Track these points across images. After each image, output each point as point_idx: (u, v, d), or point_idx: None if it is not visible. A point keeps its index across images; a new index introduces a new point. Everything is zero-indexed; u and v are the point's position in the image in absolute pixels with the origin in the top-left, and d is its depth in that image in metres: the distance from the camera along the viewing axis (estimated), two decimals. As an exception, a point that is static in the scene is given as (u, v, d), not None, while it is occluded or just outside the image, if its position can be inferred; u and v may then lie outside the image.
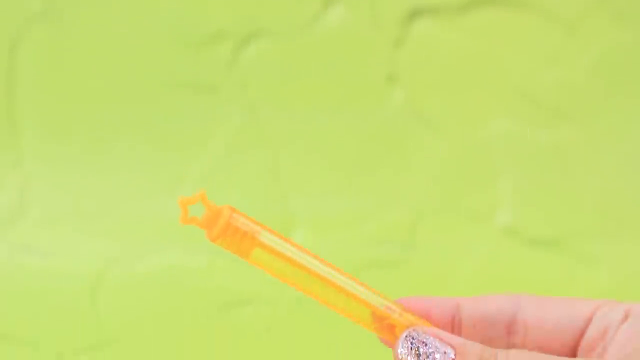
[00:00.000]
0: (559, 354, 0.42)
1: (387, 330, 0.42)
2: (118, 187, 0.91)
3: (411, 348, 0.40)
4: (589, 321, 0.43)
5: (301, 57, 0.92)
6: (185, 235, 0.89)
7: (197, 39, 0.91)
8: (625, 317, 0.41)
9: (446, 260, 0.90)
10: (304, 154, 0.92)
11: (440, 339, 0.40)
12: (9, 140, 0.90)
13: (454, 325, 0.44)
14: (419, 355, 0.40)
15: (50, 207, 0.91)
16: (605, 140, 0.93)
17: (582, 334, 0.43)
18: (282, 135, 0.92)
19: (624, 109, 0.94)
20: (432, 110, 0.92)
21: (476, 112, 0.93)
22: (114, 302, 0.87)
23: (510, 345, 0.43)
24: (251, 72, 0.91)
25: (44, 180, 0.91)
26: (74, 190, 0.91)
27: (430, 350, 0.39)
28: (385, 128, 0.92)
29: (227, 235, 0.40)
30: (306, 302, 0.86)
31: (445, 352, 0.39)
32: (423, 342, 0.40)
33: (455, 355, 0.39)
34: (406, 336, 0.40)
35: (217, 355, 0.84)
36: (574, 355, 0.42)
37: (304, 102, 0.92)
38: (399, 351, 0.40)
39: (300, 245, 0.42)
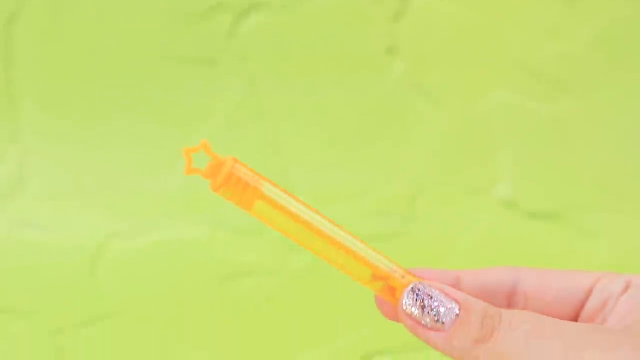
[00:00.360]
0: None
1: (388, 291, 0.42)
2: (118, 161, 0.91)
3: (416, 300, 0.40)
4: (589, 293, 0.43)
5: (301, 30, 0.91)
6: (186, 208, 0.89)
7: (197, 12, 0.90)
8: (626, 288, 0.41)
9: (446, 233, 0.91)
10: (304, 127, 0.92)
11: (446, 294, 0.40)
12: (7, 114, 0.90)
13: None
14: (424, 307, 0.40)
15: (49, 182, 0.90)
16: (606, 113, 0.93)
17: (582, 305, 0.43)
18: (282, 108, 0.92)
19: (624, 81, 0.94)
20: (432, 83, 0.92)
21: (476, 84, 0.93)
22: (114, 276, 0.87)
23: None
24: (251, 44, 0.91)
25: (43, 155, 0.91)
26: (73, 164, 0.91)
27: (436, 303, 0.39)
28: (385, 101, 0.92)
29: (229, 186, 0.40)
30: (307, 274, 0.86)
31: (450, 307, 0.39)
32: (428, 295, 0.40)
33: (459, 310, 0.39)
34: (412, 288, 0.40)
35: (218, 327, 0.84)
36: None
37: (303, 75, 0.92)
38: (404, 302, 0.40)
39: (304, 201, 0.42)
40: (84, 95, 0.91)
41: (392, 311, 0.43)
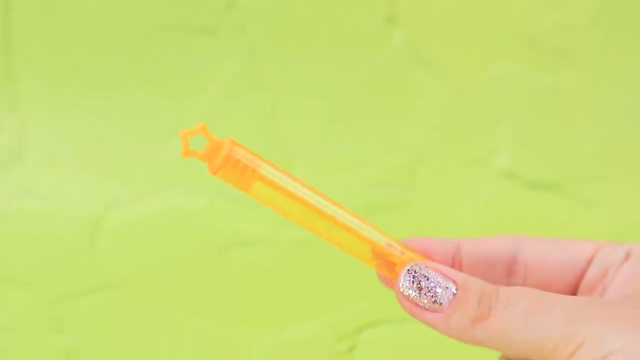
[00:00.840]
0: (559, 295, 0.42)
1: (388, 267, 0.42)
2: (117, 130, 0.91)
3: (413, 282, 0.40)
4: (589, 262, 0.43)
5: (300, -1, 0.91)
6: (185, 178, 0.89)
7: (195, -19, 0.90)
8: (626, 257, 0.41)
9: (446, 202, 0.90)
10: (302, 97, 0.92)
11: (443, 274, 0.40)
12: (6, 83, 0.90)
13: (454, 266, 0.44)
14: (420, 288, 0.40)
15: (49, 151, 0.90)
16: (607, 84, 0.93)
17: (582, 274, 0.43)
18: (280, 78, 0.91)
19: (626, 52, 0.93)
20: (431, 53, 0.92)
21: (477, 55, 0.92)
22: (113, 245, 0.87)
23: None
24: (250, 15, 0.90)
25: (42, 124, 0.91)
26: (72, 133, 0.91)
27: (432, 284, 0.39)
28: (385, 71, 0.92)
29: (227, 168, 0.40)
30: (305, 245, 0.86)
31: (447, 287, 0.39)
32: (425, 276, 0.40)
33: (456, 290, 0.39)
34: (408, 270, 0.40)
35: (216, 297, 0.84)
36: (574, 297, 0.42)
37: (302, 45, 0.91)
38: (400, 284, 0.40)
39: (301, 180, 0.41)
40: (82, 64, 0.91)
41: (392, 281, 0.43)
